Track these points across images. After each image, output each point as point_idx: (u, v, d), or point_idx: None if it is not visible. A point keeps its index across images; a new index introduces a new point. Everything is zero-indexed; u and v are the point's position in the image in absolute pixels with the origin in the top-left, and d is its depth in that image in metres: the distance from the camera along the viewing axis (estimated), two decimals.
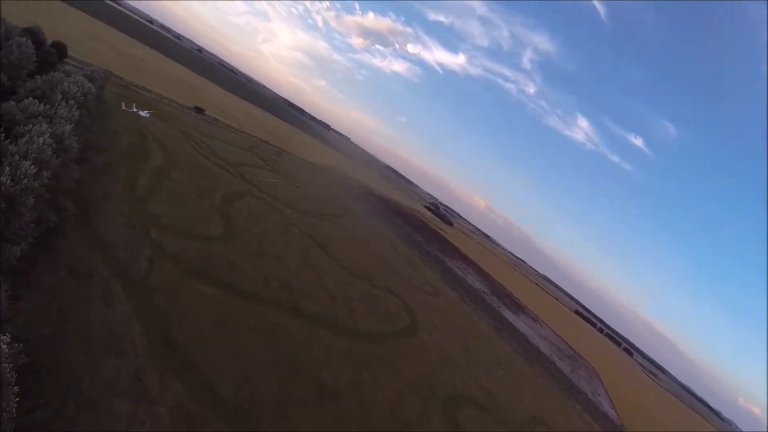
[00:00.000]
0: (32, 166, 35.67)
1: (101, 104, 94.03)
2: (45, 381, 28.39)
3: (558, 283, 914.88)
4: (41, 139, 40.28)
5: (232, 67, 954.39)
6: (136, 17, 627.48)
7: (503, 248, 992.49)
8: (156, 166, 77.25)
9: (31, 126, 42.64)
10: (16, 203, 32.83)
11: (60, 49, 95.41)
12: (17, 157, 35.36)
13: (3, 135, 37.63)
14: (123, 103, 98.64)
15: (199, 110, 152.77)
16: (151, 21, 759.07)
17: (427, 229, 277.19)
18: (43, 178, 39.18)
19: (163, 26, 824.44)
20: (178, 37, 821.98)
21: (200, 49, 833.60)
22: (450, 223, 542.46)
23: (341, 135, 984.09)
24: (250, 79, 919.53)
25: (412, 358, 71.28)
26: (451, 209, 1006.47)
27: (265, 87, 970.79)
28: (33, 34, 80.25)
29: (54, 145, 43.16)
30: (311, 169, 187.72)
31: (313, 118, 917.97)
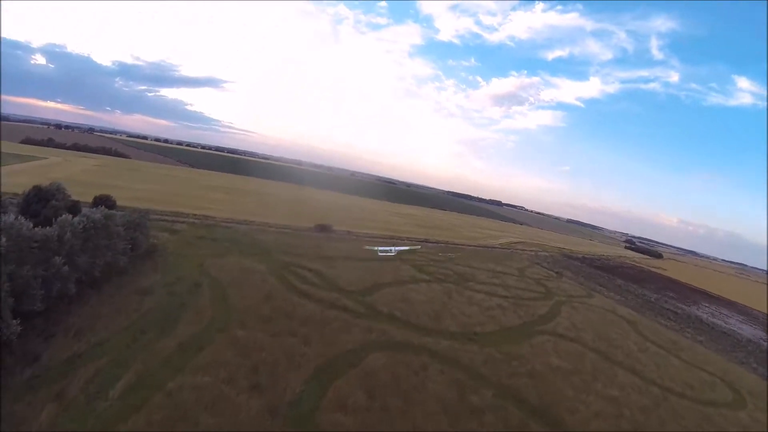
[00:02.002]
0: None
1: (144, 258, 65.25)
2: None
3: None
4: None
5: (390, 179, 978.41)
6: (282, 164, 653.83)
7: (715, 259, 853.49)
8: (177, 343, 41.77)
9: None
10: None
11: (103, 202, 77.16)
12: None
13: None
14: (378, 249, 64.28)
15: (323, 228, 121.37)
16: (300, 163, 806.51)
17: (650, 277, 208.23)
18: None
19: (313, 164, 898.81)
20: (330, 168, 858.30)
21: (353, 172, 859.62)
22: (659, 255, 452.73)
23: (515, 207, 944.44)
24: (409, 185, 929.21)
25: None
26: (646, 239, 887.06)
27: (426, 187, 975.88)
28: (39, 189, 64.96)
29: None
30: (491, 256, 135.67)
31: (482, 200, 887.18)
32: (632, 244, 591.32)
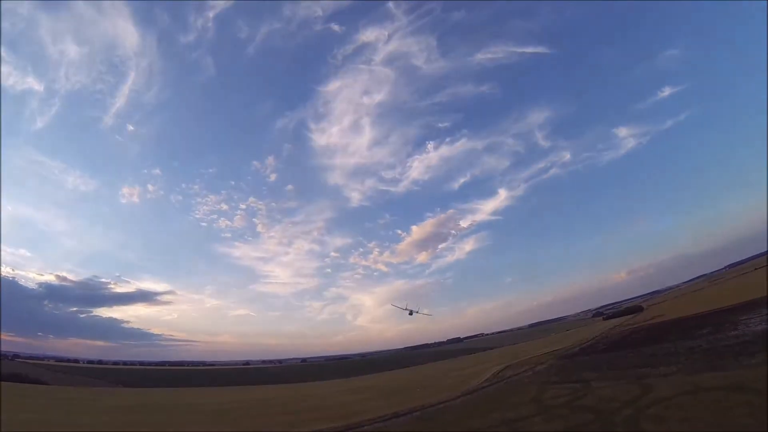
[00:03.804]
0: None
1: None
2: None
3: None
4: None
5: (343, 354, 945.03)
6: (226, 368, 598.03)
7: (678, 286, 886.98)
8: None
9: None
10: None
11: None
12: None
13: None
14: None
15: None
16: (248, 362, 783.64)
17: (662, 329, 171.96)
18: None
19: (263, 360, 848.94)
20: (280, 361, 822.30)
21: (304, 359, 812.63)
22: (640, 308, 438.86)
23: (475, 336, 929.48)
24: (363, 355, 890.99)
25: None
26: (609, 304, 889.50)
27: (382, 351, 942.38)
28: None
29: None
30: (489, 402, 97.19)
31: (441, 343, 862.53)
32: (601, 314, 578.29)
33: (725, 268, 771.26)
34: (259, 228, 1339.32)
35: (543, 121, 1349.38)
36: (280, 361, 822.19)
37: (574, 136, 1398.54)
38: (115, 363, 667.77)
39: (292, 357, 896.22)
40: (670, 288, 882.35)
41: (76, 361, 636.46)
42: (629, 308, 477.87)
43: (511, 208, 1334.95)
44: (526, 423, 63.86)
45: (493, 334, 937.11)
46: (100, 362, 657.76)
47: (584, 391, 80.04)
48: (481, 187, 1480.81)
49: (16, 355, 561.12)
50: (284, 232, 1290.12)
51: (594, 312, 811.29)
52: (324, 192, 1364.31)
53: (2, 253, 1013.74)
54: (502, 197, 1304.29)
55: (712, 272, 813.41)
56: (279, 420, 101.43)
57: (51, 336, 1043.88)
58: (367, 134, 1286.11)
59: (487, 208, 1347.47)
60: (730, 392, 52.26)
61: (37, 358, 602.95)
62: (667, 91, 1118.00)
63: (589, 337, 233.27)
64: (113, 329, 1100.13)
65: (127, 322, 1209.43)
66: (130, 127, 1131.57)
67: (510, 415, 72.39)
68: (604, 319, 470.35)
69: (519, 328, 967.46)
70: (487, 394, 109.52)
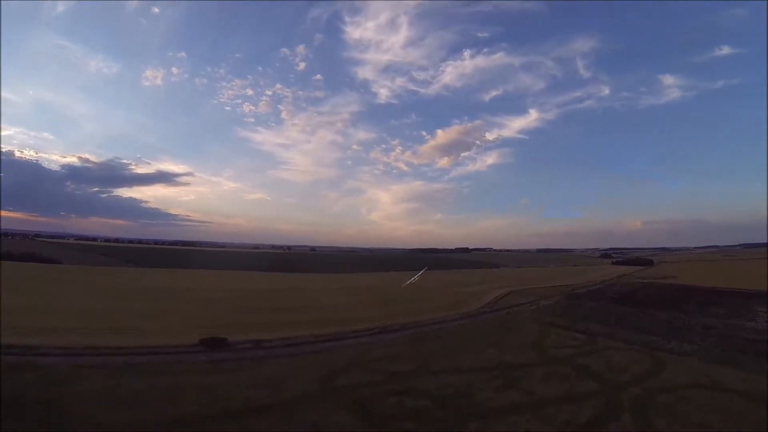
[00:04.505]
0: None
1: None
2: None
3: None
4: None
5: (352, 247, 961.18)
6: (235, 250, 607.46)
7: (688, 249, 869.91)
8: None
9: None
10: None
11: None
12: None
13: None
14: None
15: (212, 344, 71.91)
16: (257, 246, 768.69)
17: (674, 293, 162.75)
18: None
19: (273, 245, 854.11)
20: (289, 248, 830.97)
21: (313, 248, 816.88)
22: (650, 262, 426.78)
23: (483, 250, 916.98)
24: (371, 250, 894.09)
25: None
26: (618, 248, 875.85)
27: (391, 249, 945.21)
28: None
29: None
30: (485, 333, 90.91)
31: (449, 251, 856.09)
32: (610, 257, 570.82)
33: (740, 246, 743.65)
34: (284, 115, 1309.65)
35: (587, 51, 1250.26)
36: (289, 248, 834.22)
37: (617, 72, 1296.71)
38: (131, 241, 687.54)
39: (302, 245, 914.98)
40: (681, 249, 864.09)
41: (94, 239, 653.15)
42: (639, 259, 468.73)
43: (539, 131, 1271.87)
44: (523, 373, 56.64)
45: (500, 250, 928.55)
46: (116, 240, 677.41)
47: (590, 347, 72.59)
48: (512, 104, 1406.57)
49: (37, 235, 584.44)
50: (308, 121, 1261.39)
51: (602, 252, 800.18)
52: (352, 85, 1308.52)
53: (25, 137, 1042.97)
54: (532, 117, 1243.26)
55: (725, 246, 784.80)
56: (266, 318, 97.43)
57: (73, 215, 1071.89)
58: (403, 33, 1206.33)
59: (515, 125, 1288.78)
60: (753, 403, 43.43)
61: (59, 236, 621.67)
62: (725, 50, 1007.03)
63: (599, 280, 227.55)
64: (132, 208, 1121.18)
65: (146, 202, 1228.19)
66: (155, 10, 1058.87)
67: (508, 357, 65.30)
68: (613, 263, 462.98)
69: (526, 251, 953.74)
70: (486, 323, 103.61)
